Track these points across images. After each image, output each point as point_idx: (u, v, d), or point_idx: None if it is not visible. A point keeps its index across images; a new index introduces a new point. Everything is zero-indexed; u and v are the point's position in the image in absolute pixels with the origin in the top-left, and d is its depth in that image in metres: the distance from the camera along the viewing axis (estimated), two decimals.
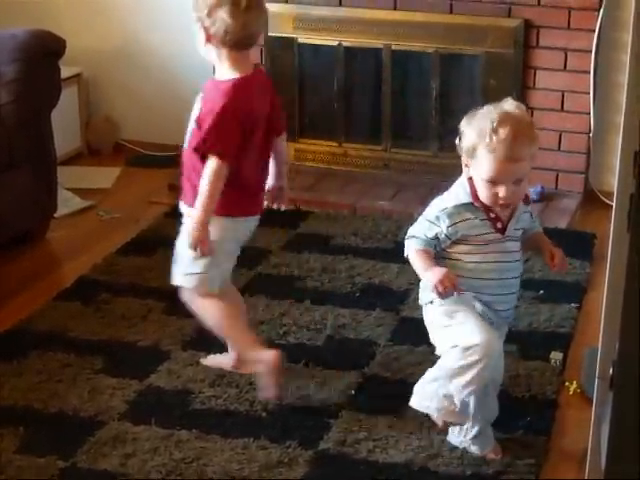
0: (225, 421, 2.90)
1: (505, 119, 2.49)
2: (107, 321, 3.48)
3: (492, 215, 2.60)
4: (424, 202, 2.78)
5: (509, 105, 2.56)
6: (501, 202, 2.55)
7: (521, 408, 2.94)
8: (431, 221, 2.60)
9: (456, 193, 2.62)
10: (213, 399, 3.00)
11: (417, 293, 2.72)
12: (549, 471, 2.71)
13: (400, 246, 2.70)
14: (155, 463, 2.71)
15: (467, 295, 2.61)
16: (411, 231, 2.64)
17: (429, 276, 2.54)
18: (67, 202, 4.36)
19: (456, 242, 2.61)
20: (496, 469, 2.67)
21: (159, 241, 3.91)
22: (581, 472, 2.60)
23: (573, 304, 3.56)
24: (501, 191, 2.52)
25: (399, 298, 3.61)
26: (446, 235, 2.59)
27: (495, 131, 2.47)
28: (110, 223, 4.30)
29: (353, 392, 3.04)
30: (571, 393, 3.04)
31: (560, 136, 4.37)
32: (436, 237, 2.60)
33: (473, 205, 2.59)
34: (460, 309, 2.59)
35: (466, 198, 2.59)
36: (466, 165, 2.60)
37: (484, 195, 2.56)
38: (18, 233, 3.95)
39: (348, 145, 4.69)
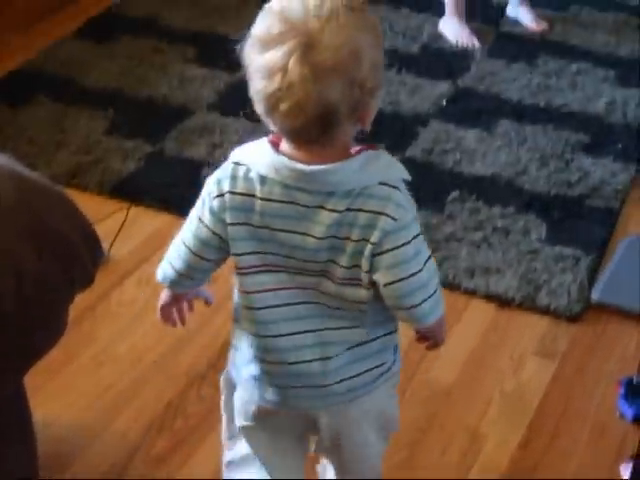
0: None
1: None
2: (201, 11, 3.43)
3: None
4: None
5: None
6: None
7: (613, 135, 2.87)
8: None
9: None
10: None
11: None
12: (633, 202, 2.68)
13: None
14: None
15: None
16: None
17: None
18: None
19: None
20: (582, 192, 2.63)
21: None
22: None
23: None
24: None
25: (499, 13, 3.49)
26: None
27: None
28: None
29: (444, 103, 2.98)
30: None
31: None
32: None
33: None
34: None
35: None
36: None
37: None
38: None
39: None
